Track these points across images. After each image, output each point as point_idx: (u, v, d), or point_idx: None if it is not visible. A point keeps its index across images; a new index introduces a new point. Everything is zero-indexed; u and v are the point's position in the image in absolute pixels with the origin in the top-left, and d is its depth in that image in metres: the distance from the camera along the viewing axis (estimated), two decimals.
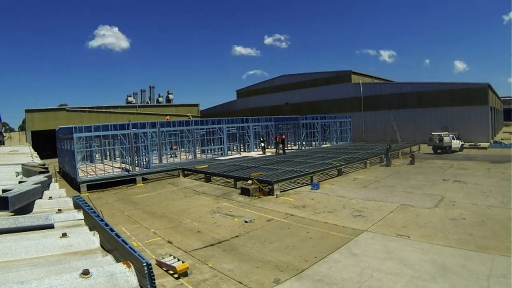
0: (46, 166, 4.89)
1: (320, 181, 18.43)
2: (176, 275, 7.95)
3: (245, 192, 16.59)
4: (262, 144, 31.91)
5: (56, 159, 32.96)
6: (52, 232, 1.97)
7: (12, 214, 2.20)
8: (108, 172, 22.73)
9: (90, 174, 22.28)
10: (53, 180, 3.93)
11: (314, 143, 36.51)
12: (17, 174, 4.51)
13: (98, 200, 17.43)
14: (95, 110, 47.76)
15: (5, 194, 2.15)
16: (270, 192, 16.12)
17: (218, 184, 19.98)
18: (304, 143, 34.95)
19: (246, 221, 12.26)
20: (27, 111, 43.85)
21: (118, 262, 1.61)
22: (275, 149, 32.50)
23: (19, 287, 1.22)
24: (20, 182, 3.20)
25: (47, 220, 2.07)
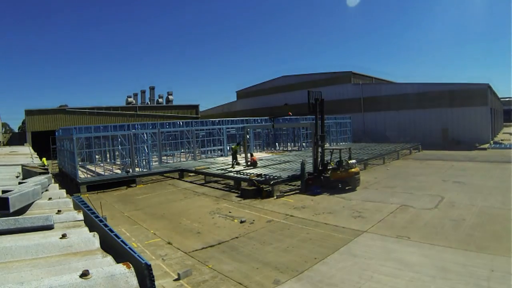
0: (46, 167, 4.89)
1: None
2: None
3: (245, 193, 16.58)
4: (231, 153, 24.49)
5: (56, 160, 32.91)
6: (52, 233, 1.97)
7: (12, 214, 2.20)
8: (108, 173, 22.72)
9: (90, 175, 22.26)
10: (52, 181, 3.94)
11: None
12: (18, 175, 4.52)
13: (98, 200, 17.39)
14: (95, 111, 47.71)
15: (5, 195, 2.16)
16: (270, 193, 16.10)
17: (218, 185, 19.97)
18: (304, 144, 34.97)
19: (242, 221, 12.26)
20: (27, 112, 43.79)
21: (118, 263, 1.62)
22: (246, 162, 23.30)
23: None
24: (20, 183, 3.20)
25: (47, 221, 2.07)
